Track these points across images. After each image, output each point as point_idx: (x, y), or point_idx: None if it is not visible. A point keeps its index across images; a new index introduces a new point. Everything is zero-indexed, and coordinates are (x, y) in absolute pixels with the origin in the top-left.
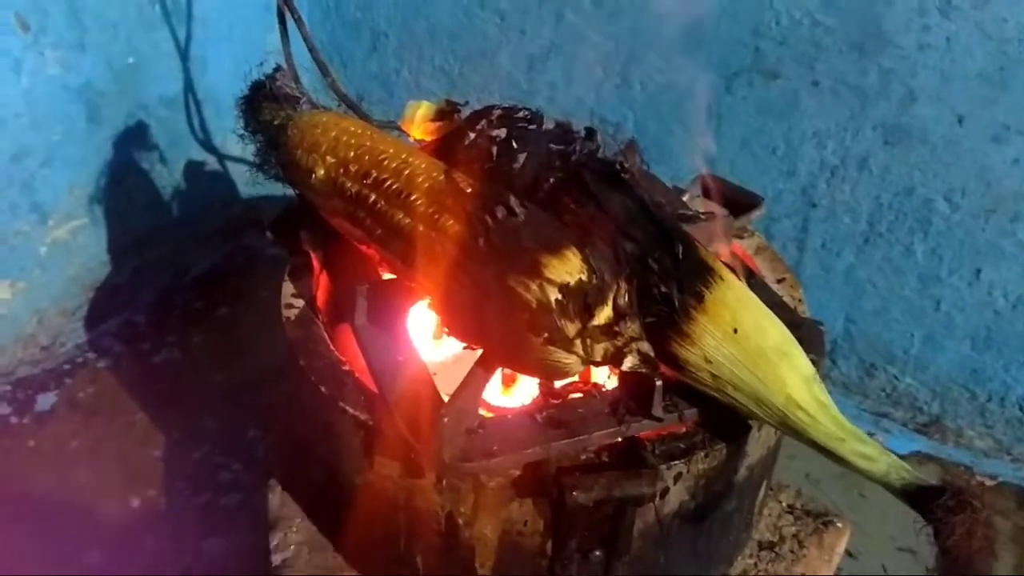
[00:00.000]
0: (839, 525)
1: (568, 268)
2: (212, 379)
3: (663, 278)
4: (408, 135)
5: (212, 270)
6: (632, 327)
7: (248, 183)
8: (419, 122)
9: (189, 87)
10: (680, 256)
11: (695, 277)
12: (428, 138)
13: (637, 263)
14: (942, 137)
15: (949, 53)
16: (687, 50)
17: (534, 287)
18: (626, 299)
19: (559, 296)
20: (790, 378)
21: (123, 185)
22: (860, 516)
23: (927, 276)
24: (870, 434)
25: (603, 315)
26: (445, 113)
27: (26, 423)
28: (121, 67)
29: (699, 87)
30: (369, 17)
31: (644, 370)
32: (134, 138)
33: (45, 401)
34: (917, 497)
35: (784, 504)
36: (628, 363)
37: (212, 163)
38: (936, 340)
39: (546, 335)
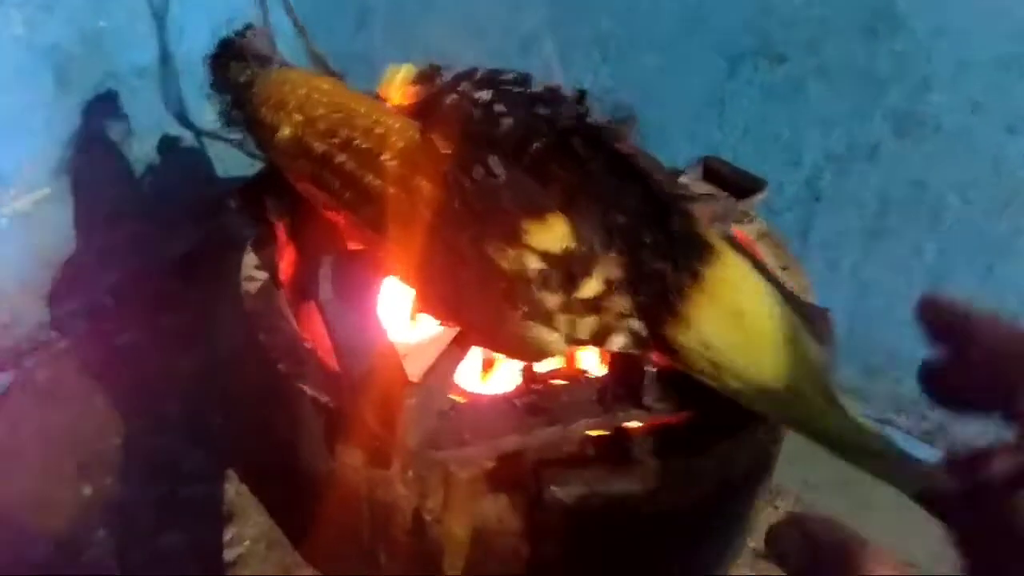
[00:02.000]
0: None
1: (552, 235)
2: (178, 364)
3: (656, 252)
4: (387, 101)
5: (185, 251)
6: (621, 302)
7: (226, 161)
8: (399, 86)
9: (165, 56)
10: (676, 229)
11: (692, 253)
12: (408, 102)
13: (629, 235)
14: (955, 127)
15: (966, 38)
16: (690, 31)
17: (512, 254)
18: (616, 271)
19: (540, 265)
20: (796, 367)
21: (92, 156)
22: (862, 526)
23: (936, 274)
24: None
25: (589, 288)
26: (427, 76)
27: None
28: (91, 30)
29: (701, 70)
30: None
31: (635, 351)
32: (104, 107)
33: (1, 381)
34: (933, 500)
35: (782, 510)
36: (616, 343)
37: (188, 138)
38: None
39: (525, 308)
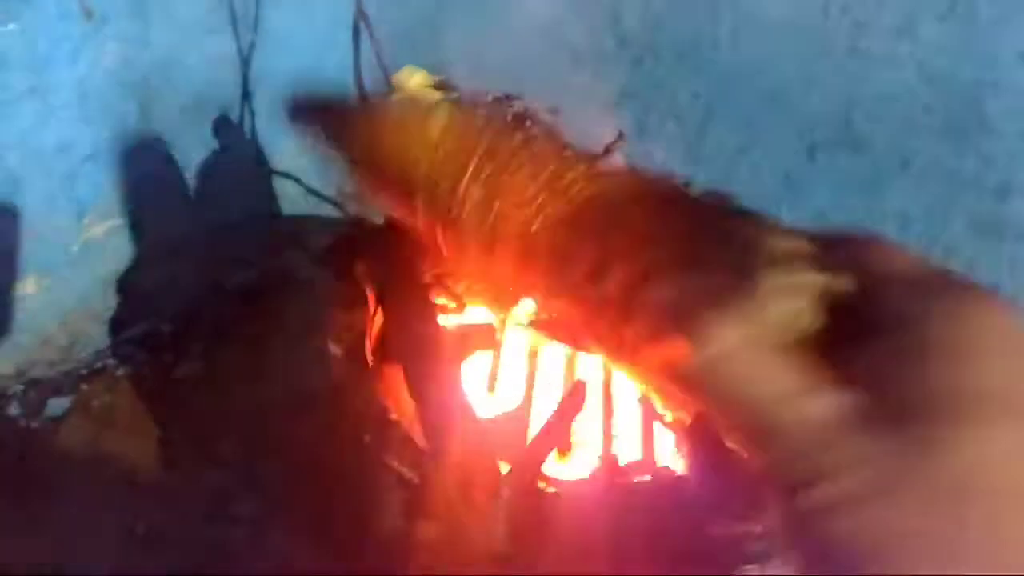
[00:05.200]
0: None
1: None
2: (234, 400)
3: None
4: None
5: (246, 286)
6: None
7: (294, 200)
8: (414, 88)
9: (247, 97)
10: None
11: None
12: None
13: None
14: None
15: None
16: (772, 113)
17: None
18: None
19: None
20: None
21: (166, 189)
22: None
23: None
24: None
25: None
26: (442, 86)
27: (35, 427)
28: (181, 68)
29: (779, 152)
30: (434, 44)
31: None
32: (184, 142)
33: (58, 405)
34: None
35: None
36: None
37: (260, 177)
38: None
39: None
